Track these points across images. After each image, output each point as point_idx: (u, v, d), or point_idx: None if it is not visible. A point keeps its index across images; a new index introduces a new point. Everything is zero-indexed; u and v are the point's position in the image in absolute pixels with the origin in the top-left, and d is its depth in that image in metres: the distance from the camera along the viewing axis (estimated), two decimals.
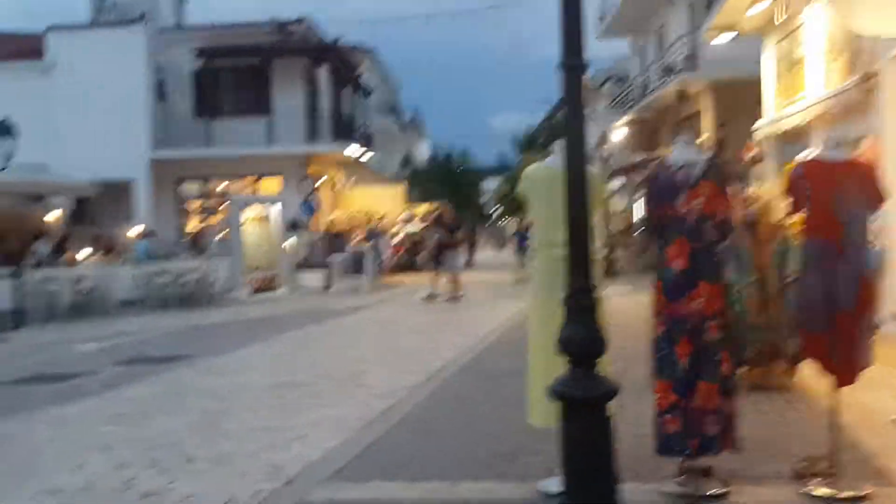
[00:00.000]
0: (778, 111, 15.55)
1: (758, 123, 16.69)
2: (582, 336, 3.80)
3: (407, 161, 31.30)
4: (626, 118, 29.09)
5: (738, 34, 16.99)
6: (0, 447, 6.72)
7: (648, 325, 5.12)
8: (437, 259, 19.42)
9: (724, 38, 17.23)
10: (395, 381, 8.82)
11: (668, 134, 26.56)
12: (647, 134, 28.04)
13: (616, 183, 27.87)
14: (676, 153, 5.18)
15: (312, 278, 22.78)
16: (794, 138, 15.05)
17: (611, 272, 23.58)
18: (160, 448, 6.36)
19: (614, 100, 33.57)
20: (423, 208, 41.69)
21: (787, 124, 14.52)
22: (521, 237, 30.04)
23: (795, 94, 14.69)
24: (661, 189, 5.08)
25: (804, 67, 14.22)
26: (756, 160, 17.35)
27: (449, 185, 42.41)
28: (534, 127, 38.08)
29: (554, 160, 5.42)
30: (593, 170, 5.11)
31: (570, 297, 3.86)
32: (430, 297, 18.57)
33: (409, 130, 50.19)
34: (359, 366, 10.02)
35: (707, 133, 22.36)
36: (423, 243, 30.31)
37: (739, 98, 21.71)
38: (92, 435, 6.91)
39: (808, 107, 13.42)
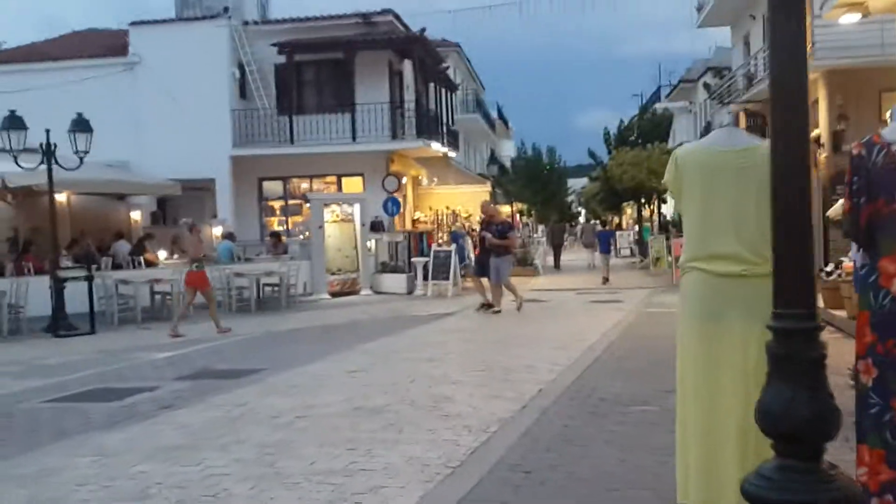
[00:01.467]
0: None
1: None
2: (801, 405, 2.43)
3: (493, 159, 29.91)
4: (730, 110, 27.08)
5: (864, 14, 15.07)
6: (28, 487, 5.70)
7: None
8: (481, 263, 17.05)
9: (850, 18, 15.31)
10: (485, 410, 7.53)
11: None
12: (755, 128, 25.96)
13: None
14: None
15: (395, 282, 21.69)
16: None
17: None
18: (197, 499, 5.22)
19: (714, 92, 31.53)
20: (508, 208, 40.52)
21: None
22: (605, 237, 28.46)
23: None
24: (876, 176, 3.64)
25: None
26: None
27: (536, 184, 40.87)
28: (625, 122, 36.22)
29: (718, 137, 4.01)
30: (764, 145, 3.68)
31: (781, 337, 2.49)
32: (484, 308, 16.47)
33: (496, 127, 48.90)
34: (443, 388, 8.75)
35: (822, 124, 20.35)
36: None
37: (858, 86, 19.69)
38: (124, 476, 5.82)
39: None
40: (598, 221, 39.26)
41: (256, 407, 8.16)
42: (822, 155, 20.26)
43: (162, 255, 21.13)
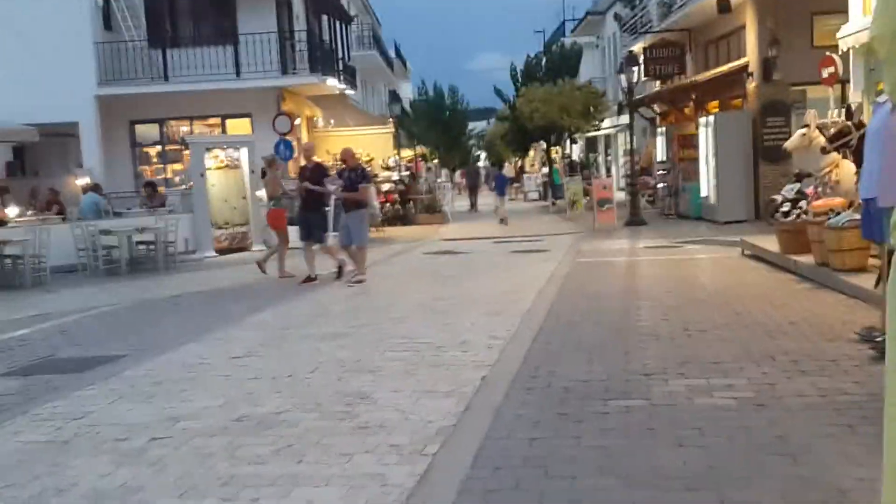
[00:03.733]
0: (882, 9, 12.06)
1: (843, 30, 13.18)
2: None
3: (394, 97, 27.57)
4: (643, 42, 25.50)
5: None
6: None
7: None
8: (305, 223, 13.24)
9: None
10: (417, 416, 5.52)
11: (701, 56, 23.05)
12: (673, 59, 24.45)
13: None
14: None
15: (291, 235, 19.29)
16: None
17: (638, 220, 20.30)
18: None
19: (625, 23, 29.90)
20: (411, 152, 38.29)
21: None
22: (501, 180, 27.00)
23: None
24: None
25: None
26: (836, 78, 13.93)
27: (437, 126, 38.68)
28: (532, 57, 34.26)
29: None
30: None
31: None
32: (340, 274, 13.24)
33: (394, 67, 46.30)
34: (356, 379, 6.68)
35: (751, 51, 18.87)
36: (414, 190, 26.99)
37: (789, 9, 18.24)
38: None
39: None
40: (490, 165, 37.61)
41: (99, 421, 5.91)
42: (752, 84, 18.83)
43: (13, 211, 18.11)
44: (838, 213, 10.04)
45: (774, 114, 18.42)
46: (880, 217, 6.51)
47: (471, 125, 58.23)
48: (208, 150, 19.31)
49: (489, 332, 8.21)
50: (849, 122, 9.89)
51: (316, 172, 13.45)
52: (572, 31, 40.37)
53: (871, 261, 9.86)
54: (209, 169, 19.10)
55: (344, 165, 13.70)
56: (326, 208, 13.67)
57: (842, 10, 14.97)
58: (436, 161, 41.88)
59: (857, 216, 9.72)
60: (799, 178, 17.30)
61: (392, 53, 48.10)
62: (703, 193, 19.84)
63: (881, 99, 6.76)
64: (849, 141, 9.86)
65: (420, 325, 8.85)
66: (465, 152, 47.77)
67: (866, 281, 9.07)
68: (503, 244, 18.24)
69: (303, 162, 14.59)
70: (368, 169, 23.38)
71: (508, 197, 31.72)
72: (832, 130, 10.66)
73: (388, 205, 24.87)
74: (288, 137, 22.21)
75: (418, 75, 48.49)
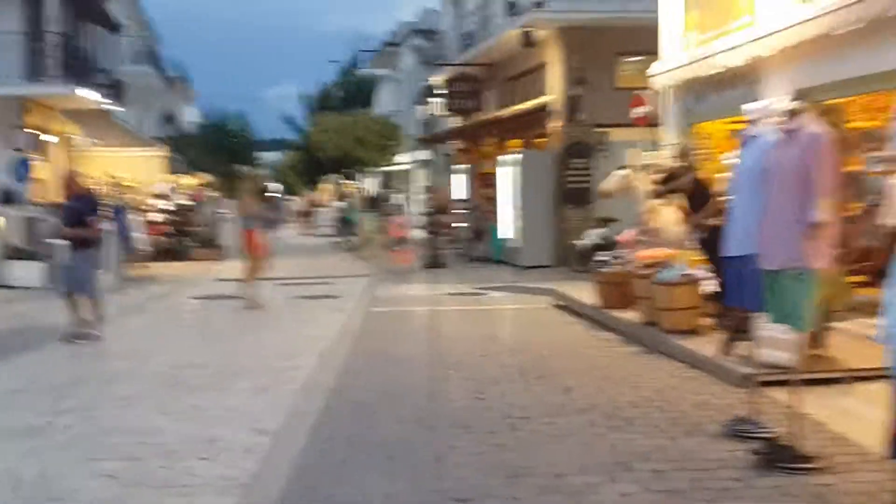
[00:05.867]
0: (694, 48, 11.22)
1: (654, 68, 12.32)
2: None
3: (170, 120, 24.64)
4: (442, 76, 24.32)
5: None
6: None
7: None
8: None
9: None
10: None
11: (503, 92, 22.08)
12: (474, 94, 23.38)
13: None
14: None
15: (28, 272, 16.04)
16: (719, 86, 10.82)
17: (437, 262, 18.77)
18: None
19: (424, 56, 28.75)
20: (189, 179, 35.02)
21: (715, 66, 10.19)
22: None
23: (727, 24, 10.37)
24: None
25: None
26: (648, 119, 13.06)
27: (222, 153, 35.78)
28: (327, 86, 32.40)
29: None
30: None
31: None
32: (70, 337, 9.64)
33: (175, 88, 42.75)
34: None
35: (555, 89, 18.00)
36: (191, 221, 24.10)
37: (595, 47, 17.55)
38: None
39: (763, 36, 9.11)
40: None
41: None
42: (555, 124, 17.91)
43: None
44: (667, 267, 8.79)
45: (578, 155, 17.55)
46: (756, 281, 5.07)
47: (264, 155, 55.40)
48: None
49: (251, 423, 6.05)
50: (680, 164, 8.72)
51: (82, 204, 10.03)
52: (368, 62, 38.93)
53: (703, 321, 8.67)
54: None
55: (68, 193, 10.19)
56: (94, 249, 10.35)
57: (647, 51, 14.31)
58: (217, 192, 38.80)
59: (691, 271, 8.51)
60: (603, 223, 16.52)
61: (174, 74, 44.50)
62: (506, 235, 18.66)
63: (752, 131, 5.40)
64: (680, 185, 8.67)
65: (156, 411, 6.49)
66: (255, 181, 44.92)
67: (702, 345, 7.80)
68: (287, 287, 16.01)
69: (62, 192, 10.98)
70: (119, 199, 20.46)
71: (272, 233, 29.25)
72: (660, 173, 9.51)
73: (157, 237, 21.86)
74: (34, 155, 18.87)
75: (211, 102, 45.18)
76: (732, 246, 5.40)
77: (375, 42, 40.25)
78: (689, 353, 7.72)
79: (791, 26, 8.48)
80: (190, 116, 50.70)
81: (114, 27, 26.05)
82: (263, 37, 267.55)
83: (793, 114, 4.77)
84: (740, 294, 5.39)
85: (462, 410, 6.28)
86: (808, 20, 8.26)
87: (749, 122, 5.53)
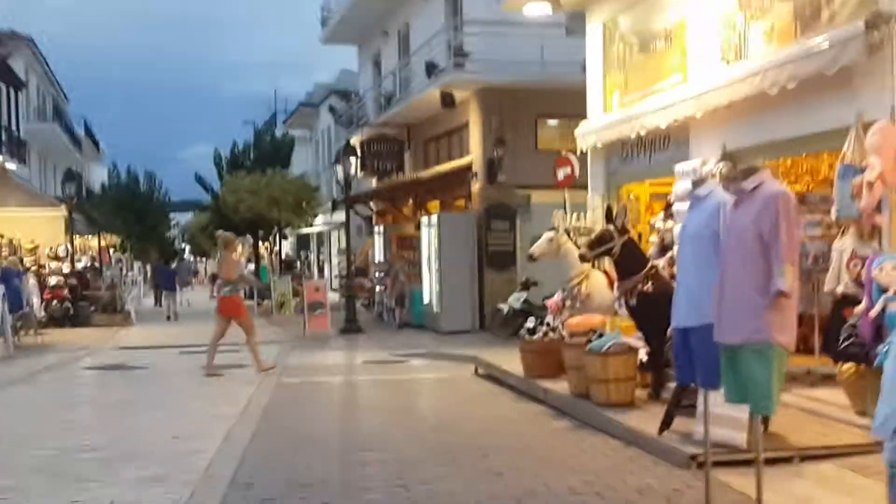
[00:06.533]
0: (620, 109, 11.03)
1: (580, 129, 12.09)
2: None
3: (70, 175, 23.36)
4: (360, 136, 23.90)
5: (554, 7, 12.40)
6: None
7: None
8: None
9: (535, 8, 12.54)
10: None
11: (423, 153, 21.75)
12: (392, 155, 22.99)
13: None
14: None
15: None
16: (646, 147, 10.62)
17: (354, 327, 18.03)
18: None
19: (341, 116, 28.32)
20: (95, 241, 33.52)
21: (643, 126, 9.98)
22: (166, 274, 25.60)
23: (656, 83, 10.20)
24: None
25: (682, 39, 9.75)
26: (572, 181, 12.79)
27: (130, 213, 34.40)
28: (238, 146, 31.50)
29: None
30: None
31: None
32: None
33: (82, 146, 41.28)
34: None
35: (475, 151, 17.73)
36: (90, 285, 22.77)
37: (515, 109, 17.39)
38: None
39: (694, 96, 8.93)
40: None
41: None
42: (476, 185, 17.59)
43: None
44: (600, 335, 8.32)
45: (499, 217, 17.22)
46: (710, 357, 4.59)
47: (178, 216, 53.69)
48: None
49: None
50: (609, 227, 8.33)
51: None
52: (284, 122, 38.31)
53: (639, 393, 8.21)
54: None
55: None
56: None
57: (568, 114, 14.16)
58: (125, 254, 37.26)
59: (625, 340, 8.06)
60: (525, 286, 16.12)
61: (82, 132, 43.01)
62: (426, 300, 18.07)
63: (701, 191, 4.98)
64: (611, 248, 8.27)
65: None
66: (166, 244, 43.37)
67: (640, 421, 7.30)
68: (193, 355, 14.98)
69: None
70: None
71: (182, 295, 28.23)
72: (591, 236, 9.12)
73: (55, 302, 20.52)
74: None
75: (121, 161, 43.42)
76: (680, 317, 4.94)
77: (293, 104, 39.82)
78: (626, 430, 7.19)
79: (723, 86, 8.29)
80: (98, 175, 48.99)
81: (16, 84, 24.89)
82: (178, 97, 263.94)
83: (747, 173, 4.36)
84: (691, 370, 4.91)
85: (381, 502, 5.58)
86: (740, 80, 8.07)
87: (693, 183, 5.12)
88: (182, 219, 57.12)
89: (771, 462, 5.97)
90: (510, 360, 10.60)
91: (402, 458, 6.77)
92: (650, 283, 8.11)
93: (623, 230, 8.36)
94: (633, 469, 6.27)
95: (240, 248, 15.65)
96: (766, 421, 6.42)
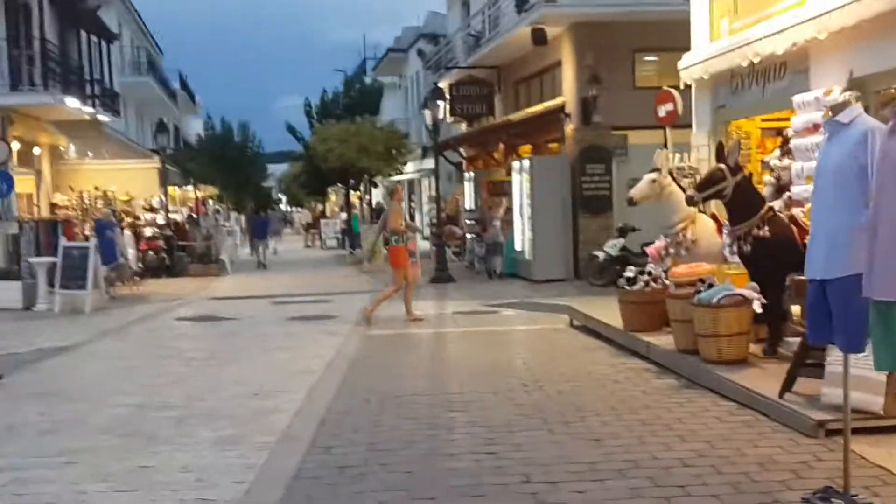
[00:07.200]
0: (730, 36, 10.01)
1: (684, 61, 11.10)
2: None
3: (162, 127, 23.49)
4: (448, 80, 23.17)
5: None
6: None
7: None
8: None
9: None
10: None
11: (513, 95, 20.92)
12: (482, 98, 22.22)
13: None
14: None
15: (5, 292, 14.96)
16: (759, 77, 9.61)
17: (445, 276, 17.58)
18: None
19: (430, 59, 27.62)
20: (191, 192, 34.05)
21: (756, 53, 8.97)
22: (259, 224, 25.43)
23: (770, 6, 9.14)
24: None
25: None
26: (675, 118, 11.86)
27: (225, 164, 34.65)
28: (328, 94, 31.25)
29: None
30: None
31: None
32: None
33: (178, 100, 41.81)
34: None
35: (568, 91, 16.80)
36: (186, 236, 23.01)
37: (610, 45, 16.35)
38: None
39: (815, 16, 7.88)
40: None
41: None
42: (569, 127, 16.71)
43: None
44: (709, 285, 7.55)
45: (594, 160, 16.33)
46: (855, 314, 3.85)
47: (274, 167, 54.32)
48: None
49: (202, 493, 4.85)
50: (721, 166, 7.50)
51: None
52: (374, 69, 37.82)
53: (753, 349, 7.44)
54: None
55: None
56: None
57: (668, 48, 13.13)
58: (223, 204, 37.77)
59: (738, 291, 7.27)
60: (623, 232, 15.29)
61: (177, 86, 43.54)
62: (518, 247, 17.43)
63: (843, 117, 4.17)
64: (722, 190, 7.45)
65: (93, 476, 5.30)
66: (264, 196, 43.84)
67: (756, 380, 6.57)
68: (283, 305, 14.85)
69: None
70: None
71: (273, 244, 28.93)
72: (697, 176, 8.31)
73: (150, 253, 20.78)
74: (22, 169, 17.88)
75: (215, 114, 43.93)
76: (816, 267, 4.18)
77: (381, 50, 39.26)
78: (740, 390, 6.46)
79: (848, 4, 7.26)
80: (194, 128, 49.74)
81: (108, 36, 25.03)
82: (270, 48, 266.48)
83: None
84: (827, 330, 4.15)
85: (469, 474, 5.05)
86: None
87: (831, 107, 4.30)
88: (278, 170, 57.83)
89: None
90: (607, 312, 9.93)
91: (491, 421, 6.24)
92: (766, 227, 7.31)
93: (736, 169, 7.52)
94: (751, 437, 5.57)
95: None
96: None
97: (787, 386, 6.00)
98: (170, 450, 5.81)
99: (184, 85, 45.68)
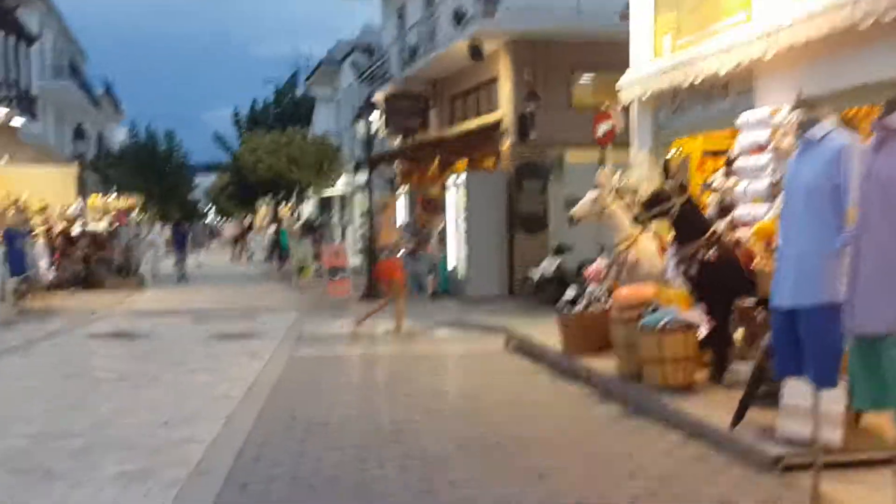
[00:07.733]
0: (672, 54, 9.81)
1: (624, 79, 10.89)
2: None
3: (79, 133, 22.45)
4: (382, 93, 22.72)
5: None
6: None
7: None
8: None
9: None
10: None
11: (449, 110, 20.58)
12: (416, 113, 21.80)
13: None
14: None
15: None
16: (702, 96, 9.43)
17: (375, 293, 16.99)
18: None
19: (363, 73, 27.14)
20: (114, 202, 32.72)
21: (700, 71, 8.78)
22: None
23: (715, 23, 8.97)
24: None
25: None
26: (614, 137, 11.65)
27: (150, 173, 33.49)
28: (259, 103, 30.47)
29: None
30: None
31: None
32: None
33: (101, 106, 40.37)
34: None
35: (505, 107, 16.54)
36: (107, 246, 21.94)
37: (548, 61, 16.17)
38: None
39: (762, 35, 7.72)
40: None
41: None
42: (506, 143, 16.42)
43: None
44: (654, 309, 7.24)
45: (531, 177, 16.06)
46: (827, 346, 3.52)
47: (199, 179, 52.97)
48: None
49: None
50: (666, 185, 7.23)
51: None
52: (306, 80, 37.10)
53: (699, 376, 7.14)
54: None
55: None
56: None
57: (606, 65, 12.94)
58: (145, 214, 36.41)
59: (684, 315, 6.98)
60: (559, 251, 15.02)
61: (102, 92, 42.04)
62: (451, 265, 17.03)
63: (816, 132, 3.86)
64: (667, 209, 7.18)
65: None
66: (190, 206, 42.63)
67: (704, 409, 6.26)
68: (204, 322, 14.12)
69: None
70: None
71: (198, 256, 28.22)
72: (642, 195, 8.01)
73: (65, 264, 19.69)
74: None
75: (141, 122, 42.62)
76: (784, 294, 3.84)
77: (314, 62, 38.57)
78: (689, 421, 6.14)
79: (801, 21, 7.09)
80: (119, 136, 48.16)
81: (28, 38, 23.90)
82: (199, 58, 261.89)
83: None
84: (795, 362, 3.82)
85: None
86: (819, 14, 6.88)
87: (801, 123, 4.00)
88: (206, 181, 56.51)
89: (863, 465, 4.97)
90: (544, 332, 9.58)
91: (425, 453, 5.78)
92: (713, 250, 7.05)
93: (682, 189, 7.26)
94: (705, 473, 5.23)
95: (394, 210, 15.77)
96: (857, 415, 5.38)
97: (739, 417, 5.69)
98: (65, 486, 5.18)
99: (109, 91, 44.18)
